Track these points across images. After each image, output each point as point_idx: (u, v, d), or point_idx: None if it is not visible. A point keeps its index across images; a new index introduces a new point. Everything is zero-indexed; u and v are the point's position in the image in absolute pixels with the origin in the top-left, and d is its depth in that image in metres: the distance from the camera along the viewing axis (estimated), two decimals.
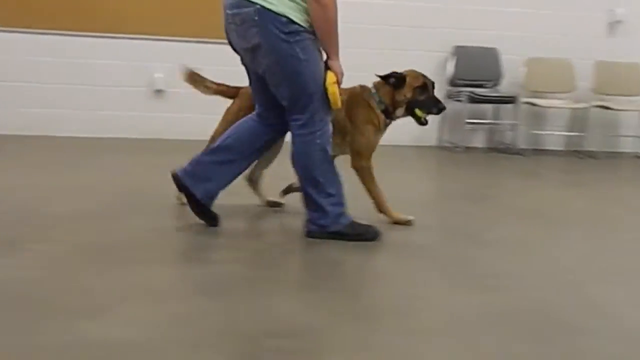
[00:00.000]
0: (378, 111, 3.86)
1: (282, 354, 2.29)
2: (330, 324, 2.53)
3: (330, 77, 3.42)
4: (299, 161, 3.52)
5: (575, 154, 7.42)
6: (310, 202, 3.55)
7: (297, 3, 3.29)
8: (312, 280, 3.17)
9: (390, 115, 3.89)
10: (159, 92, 7.03)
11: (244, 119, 3.73)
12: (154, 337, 2.34)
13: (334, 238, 3.53)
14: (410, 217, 3.97)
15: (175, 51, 6.84)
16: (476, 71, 7.44)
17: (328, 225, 3.54)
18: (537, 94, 7.45)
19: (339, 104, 3.45)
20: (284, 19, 3.28)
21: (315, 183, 3.50)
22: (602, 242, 3.94)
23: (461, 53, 7.40)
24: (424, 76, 3.90)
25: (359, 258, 3.41)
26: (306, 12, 3.32)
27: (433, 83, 3.92)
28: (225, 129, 3.80)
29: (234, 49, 3.54)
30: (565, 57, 7.54)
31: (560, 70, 7.57)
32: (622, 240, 4.06)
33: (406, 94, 3.84)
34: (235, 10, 3.37)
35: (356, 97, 3.89)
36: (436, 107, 3.89)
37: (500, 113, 7.57)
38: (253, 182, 4.25)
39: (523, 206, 4.83)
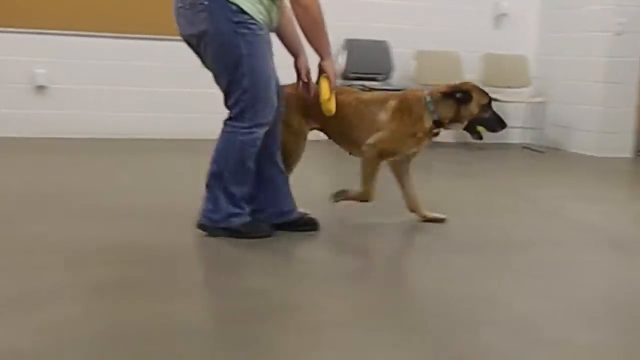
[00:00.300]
0: (426, 122, 3.78)
1: (167, 355, 2.20)
2: (218, 323, 2.48)
3: (325, 91, 3.41)
4: (216, 151, 3.44)
5: (466, 146, 7.54)
6: (209, 193, 3.47)
7: None
8: (200, 279, 3.05)
9: (441, 126, 3.83)
10: (40, 88, 6.70)
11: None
12: (37, 344, 2.22)
13: (229, 235, 3.44)
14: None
15: (59, 45, 6.55)
16: (368, 64, 7.44)
17: (218, 221, 3.46)
18: (427, 86, 7.51)
19: (333, 110, 3.45)
20: (235, 7, 3.20)
21: (220, 176, 3.42)
22: (492, 232, 3.96)
23: (352, 46, 7.38)
24: (487, 92, 3.86)
25: (253, 256, 3.29)
26: (262, 5, 3.25)
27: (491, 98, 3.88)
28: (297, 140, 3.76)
29: (183, 37, 3.40)
30: (453, 49, 7.65)
31: (449, 63, 7.68)
32: (512, 228, 4.09)
33: (473, 111, 3.79)
34: None
35: (408, 105, 3.80)
36: (500, 125, 3.88)
37: None
38: None
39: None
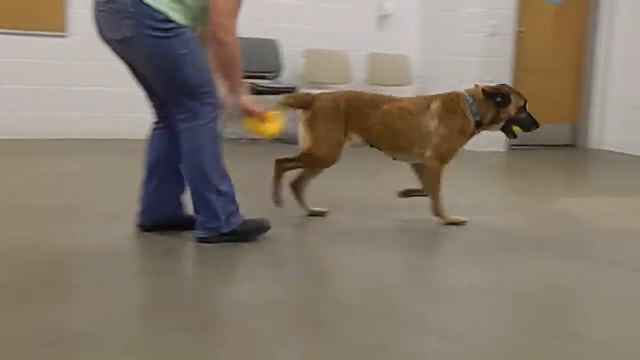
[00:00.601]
0: (471, 121, 3.97)
1: None
2: (106, 326, 2.47)
3: (255, 125, 3.41)
4: (189, 158, 3.36)
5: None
6: (200, 203, 3.40)
7: (181, 4, 3.19)
8: (82, 284, 3.02)
9: (481, 127, 4.03)
10: None
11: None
12: None
13: (228, 240, 3.41)
14: (464, 218, 4.11)
15: None
16: (257, 63, 7.55)
17: (220, 227, 3.41)
18: (316, 85, 7.73)
19: (278, 131, 3.46)
20: (162, 16, 3.15)
21: (206, 180, 3.36)
22: (378, 224, 4.16)
23: (242, 45, 7.45)
24: (522, 94, 4.05)
25: (157, 258, 3.35)
26: (191, 14, 3.22)
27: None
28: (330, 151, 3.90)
29: (104, 40, 3.32)
30: (340, 48, 7.89)
31: (337, 62, 7.92)
32: (398, 221, 4.33)
33: (511, 112, 3.99)
34: None
35: (452, 105, 3.99)
36: (534, 125, 4.07)
37: None
38: (298, 190, 4.16)
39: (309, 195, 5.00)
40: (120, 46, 3.28)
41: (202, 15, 3.28)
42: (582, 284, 3.27)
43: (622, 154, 7.83)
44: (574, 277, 3.34)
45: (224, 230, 3.41)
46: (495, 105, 3.99)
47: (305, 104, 4.00)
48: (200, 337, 2.40)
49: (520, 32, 7.78)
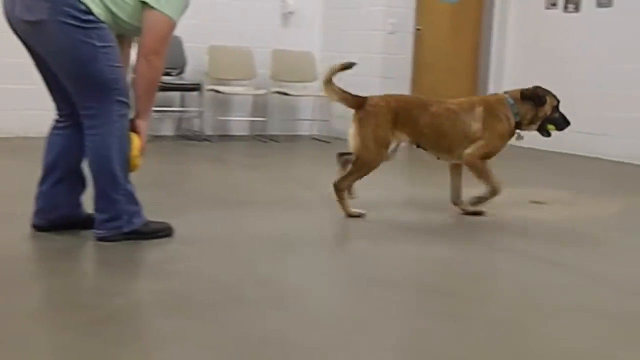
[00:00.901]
0: (512, 123, 4.23)
1: None
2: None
3: (135, 145, 3.35)
4: (95, 157, 3.31)
5: (259, 138, 7.88)
6: (104, 202, 3.35)
7: (105, 5, 3.15)
8: None
9: (521, 127, 4.29)
10: None
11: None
12: None
13: (128, 239, 3.39)
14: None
15: None
16: None
17: (122, 226, 3.39)
18: (220, 81, 7.76)
19: (138, 166, 3.42)
20: (82, 7, 3.11)
21: (112, 178, 3.31)
22: (280, 219, 4.27)
23: None
24: (555, 95, 4.32)
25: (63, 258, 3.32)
26: (112, 17, 3.20)
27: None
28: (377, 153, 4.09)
29: (12, 19, 3.22)
30: (245, 45, 7.94)
31: (241, 58, 7.96)
32: (298, 215, 4.43)
33: (547, 111, 4.28)
34: None
35: (495, 108, 4.24)
36: (566, 123, 4.35)
37: (186, 100, 7.76)
38: (340, 191, 4.22)
39: (210, 191, 5.04)
40: (31, 29, 3.20)
41: (123, 25, 3.29)
42: (482, 271, 3.45)
43: (514, 146, 8.18)
44: (473, 265, 3.52)
45: (126, 229, 3.41)
46: (534, 106, 4.27)
47: (359, 104, 4.19)
48: (99, 335, 2.41)
49: (418, 30, 8.04)
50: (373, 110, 4.14)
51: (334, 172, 6.00)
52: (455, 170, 4.45)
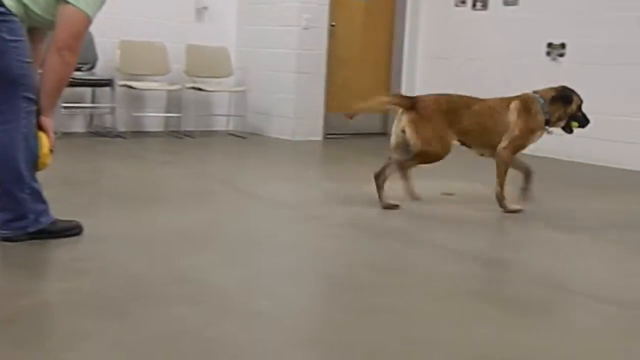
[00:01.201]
0: (542, 120, 4.52)
1: None
2: None
3: (44, 143, 3.26)
4: (3, 155, 3.20)
5: (174, 134, 7.80)
6: (9, 201, 3.25)
7: None
8: None
9: (549, 124, 4.56)
10: None
11: None
12: None
13: (35, 238, 3.30)
14: (519, 207, 4.52)
15: None
16: None
17: (28, 226, 3.30)
18: (133, 76, 7.63)
19: (48, 164, 3.33)
20: None
21: (18, 177, 3.21)
22: (196, 215, 4.26)
23: None
24: (578, 94, 4.62)
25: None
26: (24, 10, 3.11)
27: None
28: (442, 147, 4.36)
29: None
30: (158, 40, 7.83)
31: (154, 53, 7.85)
32: (214, 211, 4.44)
33: (573, 109, 4.58)
34: None
35: (528, 105, 4.54)
36: (587, 121, 4.64)
37: (97, 96, 7.61)
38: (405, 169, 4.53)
39: (124, 188, 4.97)
40: None
41: (36, 18, 3.21)
42: (390, 263, 3.54)
43: None
44: (381, 257, 3.61)
45: (32, 229, 3.34)
46: (562, 105, 4.58)
47: (410, 105, 4.42)
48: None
49: (332, 26, 8.13)
50: (428, 111, 4.42)
51: (250, 167, 6.04)
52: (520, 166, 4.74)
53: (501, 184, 4.55)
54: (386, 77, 8.78)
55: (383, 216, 4.44)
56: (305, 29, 7.86)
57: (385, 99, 4.59)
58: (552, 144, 5.09)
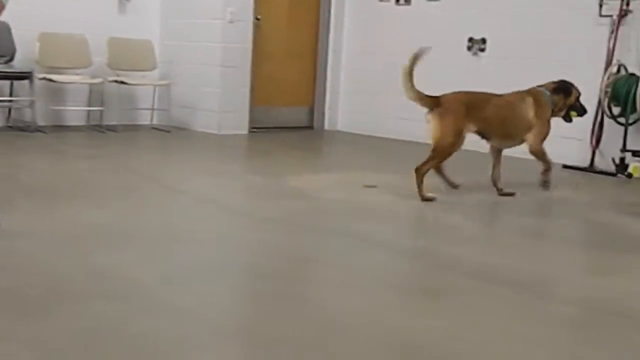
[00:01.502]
0: (550, 110, 5.02)
1: None
2: None
3: None
4: None
5: (97, 128, 7.66)
6: None
7: None
8: None
9: (553, 114, 5.06)
10: None
11: None
12: None
13: None
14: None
15: None
16: None
17: None
18: (53, 69, 7.46)
19: None
20: None
21: None
22: (117, 210, 4.21)
23: None
24: (577, 87, 5.13)
25: None
26: None
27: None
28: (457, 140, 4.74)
29: None
30: (79, 32, 7.67)
31: (75, 46, 7.68)
32: (136, 206, 4.39)
33: (572, 100, 5.10)
34: None
35: (540, 98, 5.02)
36: (584, 111, 5.21)
37: (16, 90, 7.40)
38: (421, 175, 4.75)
39: (43, 183, 4.87)
40: None
41: None
42: (313, 254, 3.59)
43: (350, 133, 8.54)
44: (302, 248, 3.66)
45: None
46: (563, 97, 5.06)
47: (435, 104, 4.77)
48: None
49: (257, 19, 8.12)
50: (450, 106, 4.76)
51: (175, 162, 6.01)
52: (498, 156, 5.14)
53: (548, 162, 5.07)
54: (312, 71, 8.83)
55: (306, 209, 4.50)
56: (230, 22, 7.83)
57: (416, 95, 4.77)
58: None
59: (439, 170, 4.98)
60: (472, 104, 4.86)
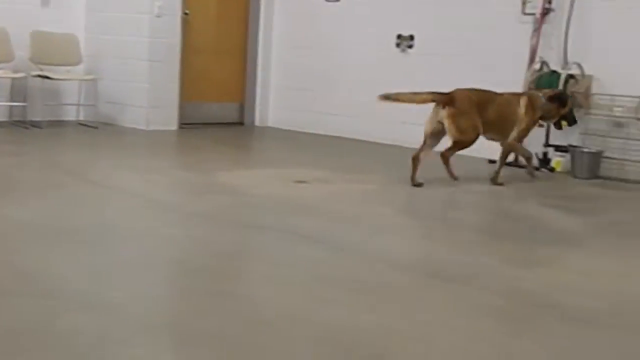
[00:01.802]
0: (539, 115, 5.46)
1: None
2: None
3: None
4: None
5: (20, 124, 7.44)
6: None
7: None
8: None
9: (543, 119, 5.56)
10: None
11: None
12: None
13: None
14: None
15: None
16: None
17: None
18: None
19: None
20: None
21: None
22: (42, 208, 4.11)
23: None
24: (570, 97, 5.66)
25: None
26: None
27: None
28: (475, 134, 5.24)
29: None
30: (0, 25, 7.42)
31: None
32: (62, 203, 4.29)
33: (566, 109, 5.53)
34: None
35: (534, 101, 5.43)
36: (574, 121, 5.71)
37: None
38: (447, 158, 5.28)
39: None
40: None
41: None
42: (238, 249, 3.58)
43: (280, 129, 8.54)
44: (230, 243, 3.64)
45: None
46: (558, 106, 5.51)
47: (447, 101, 5.11)
48: None
49: (186, 14, 8.02)
50: (464, 106, 5.15)
51: (102, 158, 5.90)
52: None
53: (525, 153, 5.67)
54: (242, 66, 8.78)
55: (236, 205, 4.48)
56: (158, 16, 7.71)
57: (427, 96, 5.17)
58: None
59: (446, 162, 5.35)
60: (481, 103, 5.27)
